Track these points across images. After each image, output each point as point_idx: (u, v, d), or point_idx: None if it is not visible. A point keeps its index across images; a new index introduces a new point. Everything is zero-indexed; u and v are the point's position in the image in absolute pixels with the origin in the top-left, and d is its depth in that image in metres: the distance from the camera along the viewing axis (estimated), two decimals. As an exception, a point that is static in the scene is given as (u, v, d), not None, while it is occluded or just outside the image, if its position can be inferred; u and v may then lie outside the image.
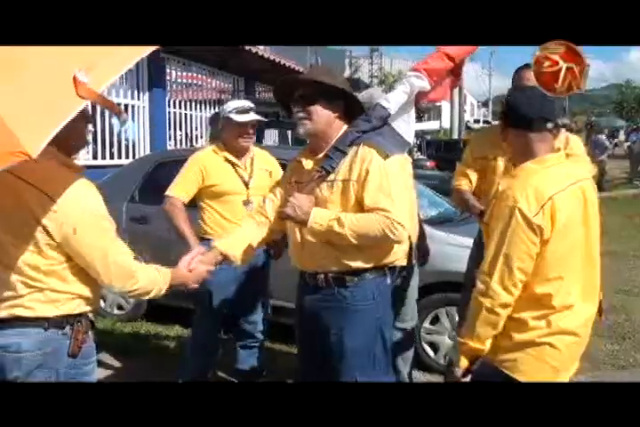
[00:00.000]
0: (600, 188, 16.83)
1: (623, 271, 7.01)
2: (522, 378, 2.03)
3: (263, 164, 3.56)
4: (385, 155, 2.24)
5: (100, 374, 2.79)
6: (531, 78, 2.83)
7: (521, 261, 1.96)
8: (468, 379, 2.13)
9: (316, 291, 2.39)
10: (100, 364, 3.98)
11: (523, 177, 2.04)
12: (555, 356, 2.04)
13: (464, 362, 2.09)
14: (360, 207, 2.25)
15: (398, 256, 2.39)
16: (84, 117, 1.88)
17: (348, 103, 2.38)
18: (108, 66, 1.63)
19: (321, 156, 2.38)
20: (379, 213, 2.18)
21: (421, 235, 3.51)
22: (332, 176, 2.31)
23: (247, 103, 3.47)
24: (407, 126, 2.40)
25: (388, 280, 2.40)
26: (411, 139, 2.45)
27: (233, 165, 3.43)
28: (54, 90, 1.54)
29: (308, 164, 2.44)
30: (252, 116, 3.38)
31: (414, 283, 3.39)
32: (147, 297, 2.01)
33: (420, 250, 3.54)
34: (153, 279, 2.00)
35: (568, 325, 2.03)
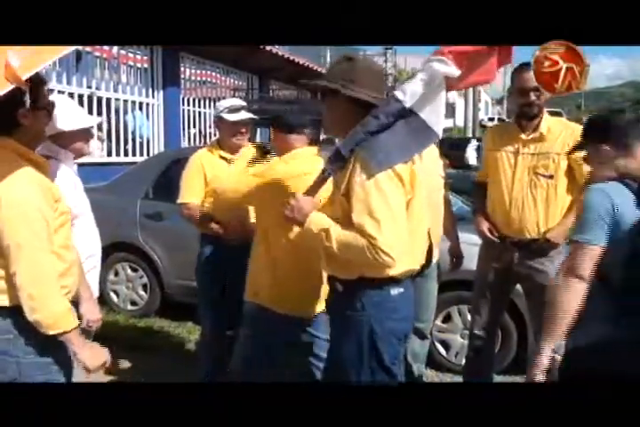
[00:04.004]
0: None
1: None
2: None
3: None
4: (369, 173, 1.99)
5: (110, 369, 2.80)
6: (531, 78, 2.84)
7: None
8: None
9: (331, 294, 2.33)
10: (112, 359, 4.02)
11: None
12: None
13: None
14: (349, 220, 2.05)
15: (392, 272, 2.11)
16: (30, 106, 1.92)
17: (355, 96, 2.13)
18: (37, 55, 1.70)
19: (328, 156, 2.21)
20: (365, 238, 1.98)
21: (454, 238, 3.53)
22: (333, 180, 2.17)
23: (238, 102, 3.50)
24: (436, 117, 2.13)
25: (391, 292, 2.15)
26: (438, 129, 2.14)
27: (228, 161, 3.48)
28: None
29: None
30: (244, 115, 3.40)
31: (433, 284, 3.38)
32: (48, 329, 1.85)
33: (451, 254, 3.56)
34: (64, 305, 1.89)
35: None
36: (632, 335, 1.93)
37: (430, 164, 3.29)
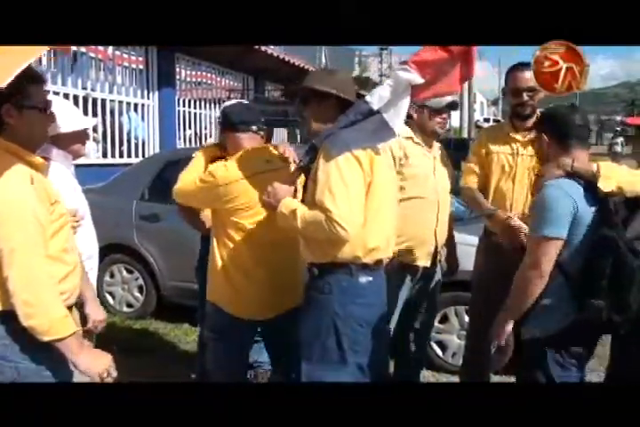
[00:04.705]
0: None
1: None
2: None
3: None
4: (330, 157, 2.22)
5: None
6: (530, 78, 2.82)
7: None
8: None
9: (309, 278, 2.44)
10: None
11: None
12: None
13: None
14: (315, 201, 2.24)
15: (357, 254, 2.29)
16: (45, 114, 1.92)
17: (345, 102, 2.38)
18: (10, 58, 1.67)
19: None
20: (323, 213, 2.17)
21: (451, 246, 3.42)
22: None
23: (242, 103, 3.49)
24: (398, 119, 2.31)
25: (360, 279, 2.31)
26: (397, 129, 2.34)
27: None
28: None
29: None
30: None
31: (435, 286, 3.34)
32: (43, 335, 1.80)
33: (447, 261, 3.42)
34: (60, 311, 1.83)
35: None
36: (589, 319, 2.17)
37: (442, 166, 3.28)
